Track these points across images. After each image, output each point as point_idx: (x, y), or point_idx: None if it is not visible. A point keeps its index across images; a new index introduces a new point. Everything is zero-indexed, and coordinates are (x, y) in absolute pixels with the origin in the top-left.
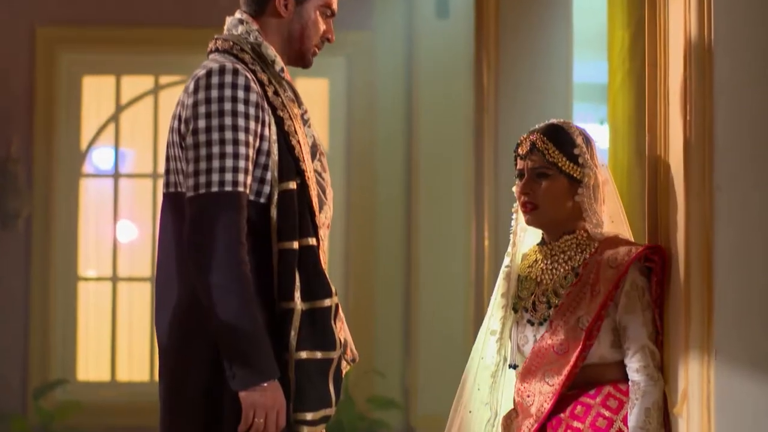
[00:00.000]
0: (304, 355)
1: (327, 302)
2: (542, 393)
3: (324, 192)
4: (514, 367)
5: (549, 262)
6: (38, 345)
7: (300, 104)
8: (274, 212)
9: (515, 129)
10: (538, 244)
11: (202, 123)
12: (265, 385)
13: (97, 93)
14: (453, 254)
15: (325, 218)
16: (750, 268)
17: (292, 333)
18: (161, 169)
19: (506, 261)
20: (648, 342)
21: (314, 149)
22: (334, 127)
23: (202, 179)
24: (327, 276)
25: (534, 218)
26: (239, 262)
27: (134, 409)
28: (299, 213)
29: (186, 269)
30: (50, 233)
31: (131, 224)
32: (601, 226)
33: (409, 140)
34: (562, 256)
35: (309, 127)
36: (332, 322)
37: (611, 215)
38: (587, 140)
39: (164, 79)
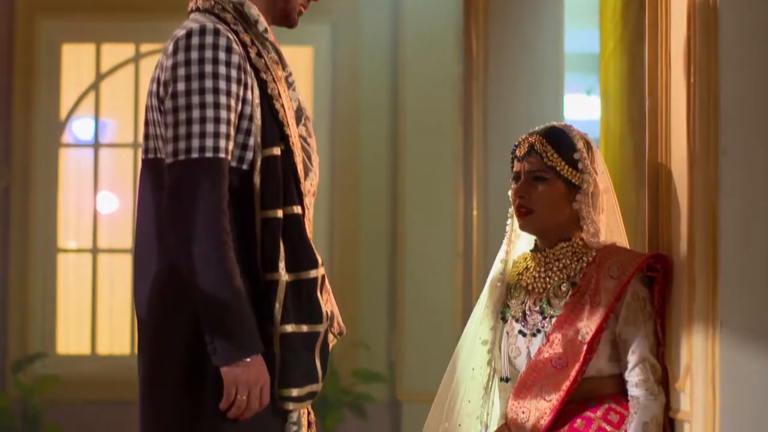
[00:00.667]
0: (289, 328)
1: (313, 273)
2: (539, 409)
3: (309, 158)
4: (506, 380)
5: (542, 270)
6: (17, 318)
7: (284, 66)
8: (257, 179)
9: (505, 97)
10: (530, 251)
11: (181, 86)
12: (248, 360)
13: (76, 61)
14: (440, 225)
15: (310, 185)
16: (757, 237)
17: (277, 305)
18: (142, 138)
19: (498, 267)
20: (649, 355)
21: (299, 113)
22: (319, 95)
23: (182, 145)
24: (313, 246)
25: (528, 223)
26: (221, 231)
27: (115, 383)
28: (283, 180)
29: (165, 239)
30: (29, 204)
31: (112, 195)
32: (598, 235)
33: (395, 108)
34: (556, 264)
35: (294, 90)
36: (318, 293)
37: (609, 226)
38: (588, 145)
39: (145, 47)
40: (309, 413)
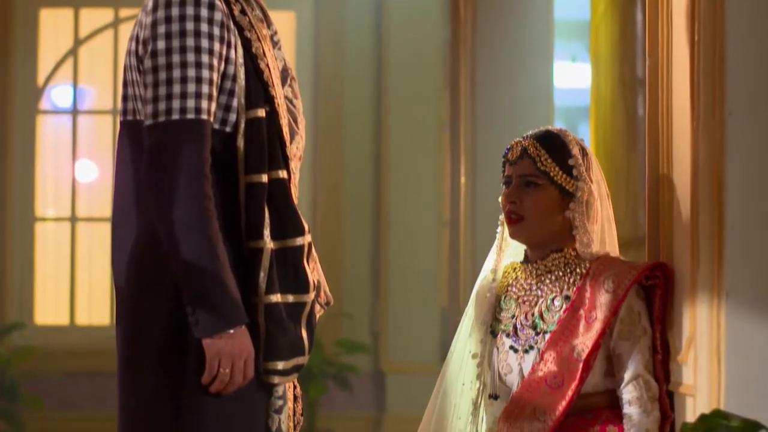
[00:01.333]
0: (274, 298)
1: (299, 241)
2: (532, 431)
3: (295, 120)
4: (495, 397)
5: (533, 283)
6: None
7: (269, 25)
8: (240, 142)
9: (493, 62)
10: (520, 262)
11: (161, 44)
12: (232, 331)
13: (54, 26)
14: (425, 193)
15: (296, 149)
16: (764, 202)
17: (261, 274)
18: (120, 99)
19: (487, 276)
20: (643, 371)
21: (285, 74)
22: (301, 61)
23: (162, 106)
24: (299, 212)
25: (518, 231)
26: (203, 197)
27: (94, 354)
28: (268, 143)
29: (144, 205)
30: (6, 172)
31: (91, 163)
32: (591, 245)
33: (379, 75)
34: (548, 276)
35: (279, 49)
36: (305, 262)
37: (603, 235)
38: (584, 152)
39: (124, 12)
40: (295, 387)
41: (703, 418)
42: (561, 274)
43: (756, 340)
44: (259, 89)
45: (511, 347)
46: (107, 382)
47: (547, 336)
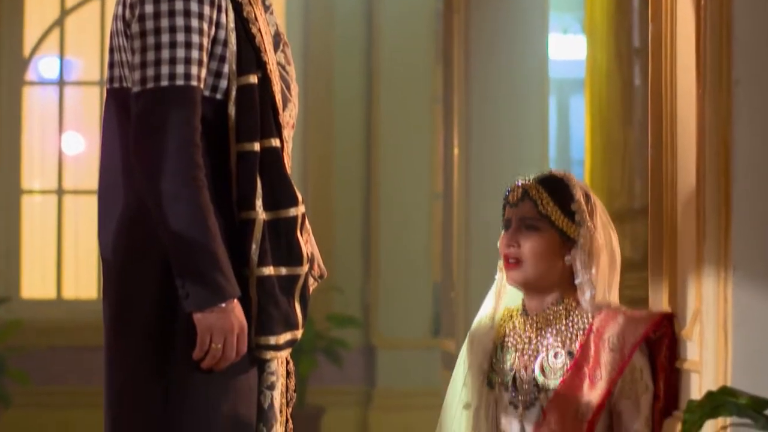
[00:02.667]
0: (266, 271)
1: (292, 211)
2: None
3: (288, 87)
4: None
5: (533, 335)
6: None
7: None
8: (232, 110)
9: (487, 33)
10: (520, 314)
11: (149, 8)
12: (223, 305)
13: None
14: (417, 165)
15: (289, 117)
16: None
17: (254, 246)
18: (107, 66)
19: (484, 323)
20: (642, 429)
21: (277, 39)
22: (291, 31)
23: (150, 72)
24: (292, 182)
25: (516, 276)
26: (193, 166)
27: (81, 328)
28: (261, 111)
29: (132, 175)
30: None
31: (77, 135)
32: (593, 298)
33: (370, 46)
34: (549, 329)
35: (271, 14)
36: (298, 233)
37: (604, 282)
38: (588, 197)
39: None
40: (288, 362)
41: (709, 395)
42: (562, 327)
43: (764, 315)
44: (250, 55)
45: (511, 402)
46: (94, 356)
47: (550, 393)
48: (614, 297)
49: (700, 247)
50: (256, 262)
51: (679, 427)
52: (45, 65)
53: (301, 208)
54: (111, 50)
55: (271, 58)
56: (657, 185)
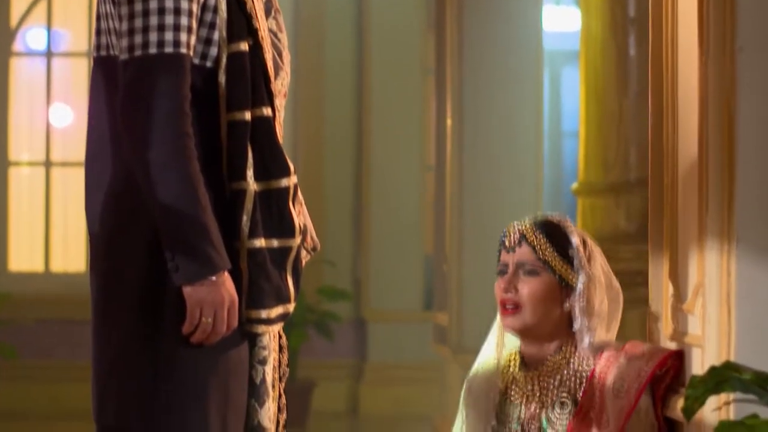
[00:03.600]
0: (258, 243)
1: (284, 182)
2: None
3: (280, 55)
4: None
5: (537, 389)
6: None
7: None
8: (222, 78)
9: (480, 3)
10: (519, 368)
11: None
12: (214, 278)
13: None
14: (409, 136)
15: (281, 86)
16: None
17: (244, 218)
18: (94, 33)
19: (485, 371)
20: None
21: (268, 5)
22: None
23: (138, 39)
24: (284, 152)
25: (515, 322)
26: (182, 136)
27: (69, 301)
28: (252, 79)
29: (120, 145)
30: None
31: (66, 107)
32: (592, 343)
33: (360, 12)
34: (550, 380)
35: None
36: (290, 204)
37: (608, 326)
38: (584, 242)
39: None
40: (280, 336)
41: (713, 370)
42: (565, 378)
43: None
44: (241, 21)
45: None
46: (83, 329)
47: None
48: (612, 335)
49: (702, 219)
50: (247, 234)
51: (681, 402)
52: (32, 36)
53: (293, 179)
54: (98, 17)
55: (263, 24)
56: (657, 156)
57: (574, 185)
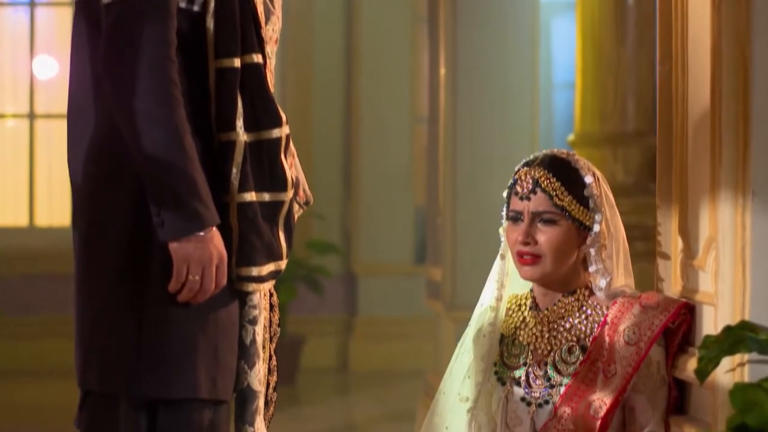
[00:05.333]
0: (248, 197)
1: (276, 132)
2: None
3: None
4: None
5: (545, 330)
6: None
7: None
8: (210, 22)
9: None
10: (530, 309)
11: None
12: (202, 233)
13: None
14: (399, 87)
15: (272, 31)
16: None
17: (234, 170)
18: None
19: (487, 316)
20: (656, 428)
21: None
22: None
23: None
24: (275, 101)
25: (535, 271)
26: (168, 83)
27: (54, 256)
28: (241, 24)
29: (103, 94)
30: None
31: (50, 58)
32: (609, 284)
33: None
34: (561, 323)
35: None
36: (282, 156)
37: (621, 266)
38: (596, 177)
39: None
40: (271, 295)
41: (727, 330)
42: (576, 321)
43: None
44: None
45: (523, 398)
46: (69, 285)
47: (562, 389)
48: (628, 279)
49: (715, 171)
50: (237, 188)
51: (692, 363)
52: None
53: (285, 129)
54: None
55: None
56: (666, 104)
57: (570, 137)
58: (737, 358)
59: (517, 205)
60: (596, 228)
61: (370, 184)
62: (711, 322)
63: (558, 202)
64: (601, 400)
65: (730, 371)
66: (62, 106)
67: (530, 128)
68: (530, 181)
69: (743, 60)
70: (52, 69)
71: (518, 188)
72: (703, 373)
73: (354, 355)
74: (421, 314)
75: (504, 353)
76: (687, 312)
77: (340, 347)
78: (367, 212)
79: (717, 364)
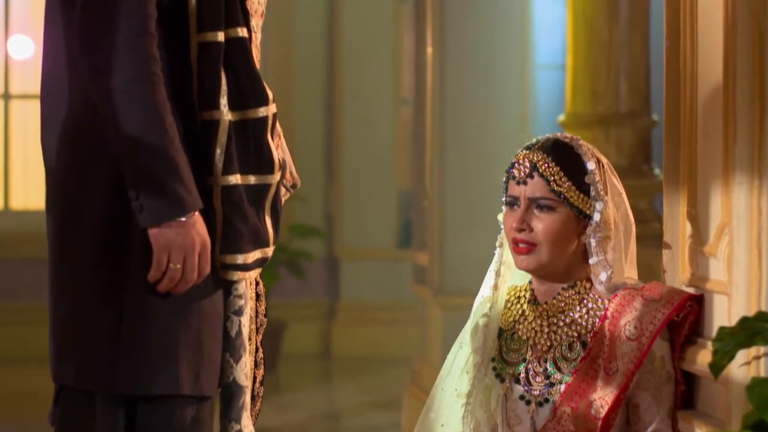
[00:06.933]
0: (232, 179)
1: (262, 111)
2: None
3: None
4: None
5: (545, 324)
6: None
7: None
8: None
9: None
10: (528, 302)
11: None
12: (184, 219)
13: None
14: (382, 68)
15: (258, 3)
16: None
17: (218, 151)
18: None
19: (482, 307)
20: (662, 426)
21: None
22: None
23: None
24: (261, 78)
25: (531, 261)
26: (147, 59)
27: (31, 240)
28: None
29: (78, 71)
30: None
31: (25, 38)
32: (610, 277)
33: None
34: (561, 317)
35: None
36: (268, 136)
37: (625, 258)
38: (600, 165)
39: None
40: (257, 283)
41: (744, 321)
42: (576, 315)
43: None
44: None
45: (522, 396)
46: (46, 270)
47: (562, 387)
48: (632, 271)
49: (728, 152)
50: (221, 170)
51: (703, 355)
52: None
53: (272, 108)
54: None
55: None
56: (673, 81)
57: (561, 117)
58: (752, 350)
59: (514, 189)
60: (596, 217)
61: (353, 166)
62: (724, 313)
63: (556, 188)
64: (603, 399)
65: (744, 365)
66: (38, 87)
67: (520, 108)
68: (528, 164)
69: (759, 33)
70: (28, 49)
71: (515, 172)
72: (717, 367)
73: (337, 341)
74: (406, 300)
75: (503, 348)
76: (693, 303)
77: (322, 333)
78: (349, 195)
79: (732, 357)
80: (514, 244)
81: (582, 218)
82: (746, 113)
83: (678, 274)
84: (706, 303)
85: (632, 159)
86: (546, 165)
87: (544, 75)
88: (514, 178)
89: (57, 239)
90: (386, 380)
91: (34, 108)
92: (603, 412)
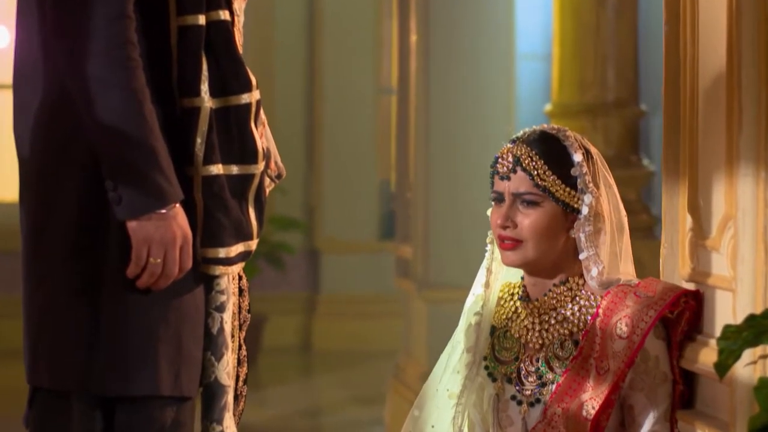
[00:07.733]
0: (214, 169)
1: (245, 98)
2: None
3: None
4: None
5: (537, 322)
6: None
7: None
8: None
9: None
10: (520, 299)
11: None
12: (164, 211)
13: None
14: (363, 57)
15: None
16: None
17: (198, 140)
18: None
19: (475, 305)
20: (658, 428)
21: None
22: None
23: None
24: (244, 63)
25: (516, 257)
26: (125, 44)
27: (5, 232)
28: None
29: (52, 57)
30: None
31: (2, 27)
32: (601, 273)
33: None
34: (553, 314)
35: None
36: (252, 124)
37: (618, 252)
38: (588, 155)
39: None
40: (240, 278)
41: (751, 319)
42: (568, 313)
43: None
44: None
45: (513, 396)
46: (18, 263)
47: (553, 388)
48: (627, 266)
49: (732, 141)
50: (202, 159)
51: (704, 354)
52: None
53: (255, 94)
54: None
55: None
56: (673, 69)
57: (548, 107)
58: (758, 349)
59: (499, 185)
60: (584, 211)
61: (334, 157)
62: (728, 309)
63: (540, 182)
64: (593, 400)
65: (750, 364)
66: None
67: (506, 98)
68: (511, 159)
69: (765, 15)
70: (4, 38)
71: (499, 167)
72: (723, 366)
73: (318, 335)
74: (389, 293)
75: (495, 346)
76: (689, 299)
77: (302, 326)
78: (330, 187)
79: (738, 356)
80: (500, 240)
81: (570, 212)
82: (752, 101)
83: (677, 269)
84: (708, 299)
85: (620, 149)
86: (529, 159)
87: (526, 65)
88: (498, 173)
89: (31, 232)
90: (368, 375)
91: (9, 98)
92: (593, 413)
